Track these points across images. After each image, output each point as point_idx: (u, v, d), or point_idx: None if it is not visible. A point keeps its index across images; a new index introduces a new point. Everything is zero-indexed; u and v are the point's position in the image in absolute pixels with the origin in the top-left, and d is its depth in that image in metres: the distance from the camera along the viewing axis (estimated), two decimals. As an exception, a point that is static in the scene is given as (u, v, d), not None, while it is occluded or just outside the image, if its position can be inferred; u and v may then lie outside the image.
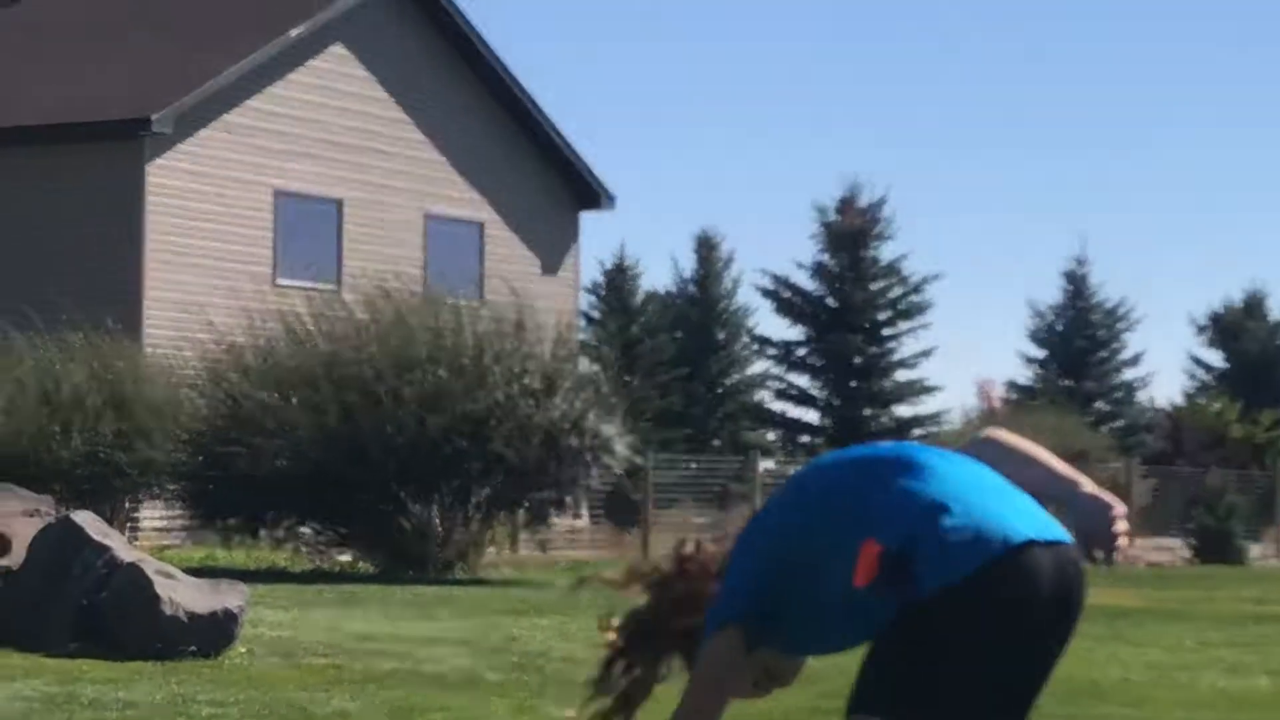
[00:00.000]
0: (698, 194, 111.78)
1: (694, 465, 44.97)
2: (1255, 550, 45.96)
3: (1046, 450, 4.89)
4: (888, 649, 4.46)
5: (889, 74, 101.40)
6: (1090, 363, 66.43)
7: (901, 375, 61.07)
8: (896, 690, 4.37)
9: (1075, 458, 43.63)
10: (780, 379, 61.75)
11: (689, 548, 4.99)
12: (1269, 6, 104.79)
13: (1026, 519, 4.41)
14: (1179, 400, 63.86)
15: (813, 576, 4.55)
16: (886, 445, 5.04)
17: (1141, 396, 66.77)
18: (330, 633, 18.04)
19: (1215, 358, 70.10)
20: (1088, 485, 4.66)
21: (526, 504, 29.38)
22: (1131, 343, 67.67)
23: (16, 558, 16.86)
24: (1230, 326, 69.77)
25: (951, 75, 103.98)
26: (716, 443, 56.61)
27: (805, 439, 59.02)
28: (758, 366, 62.92)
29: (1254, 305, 70.41)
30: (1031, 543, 4.28)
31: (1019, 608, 4.28)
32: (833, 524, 4.52)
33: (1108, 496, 4.62)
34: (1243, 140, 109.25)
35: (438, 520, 28.02)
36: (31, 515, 17.97)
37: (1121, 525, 4.59)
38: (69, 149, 36.32)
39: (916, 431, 58.37)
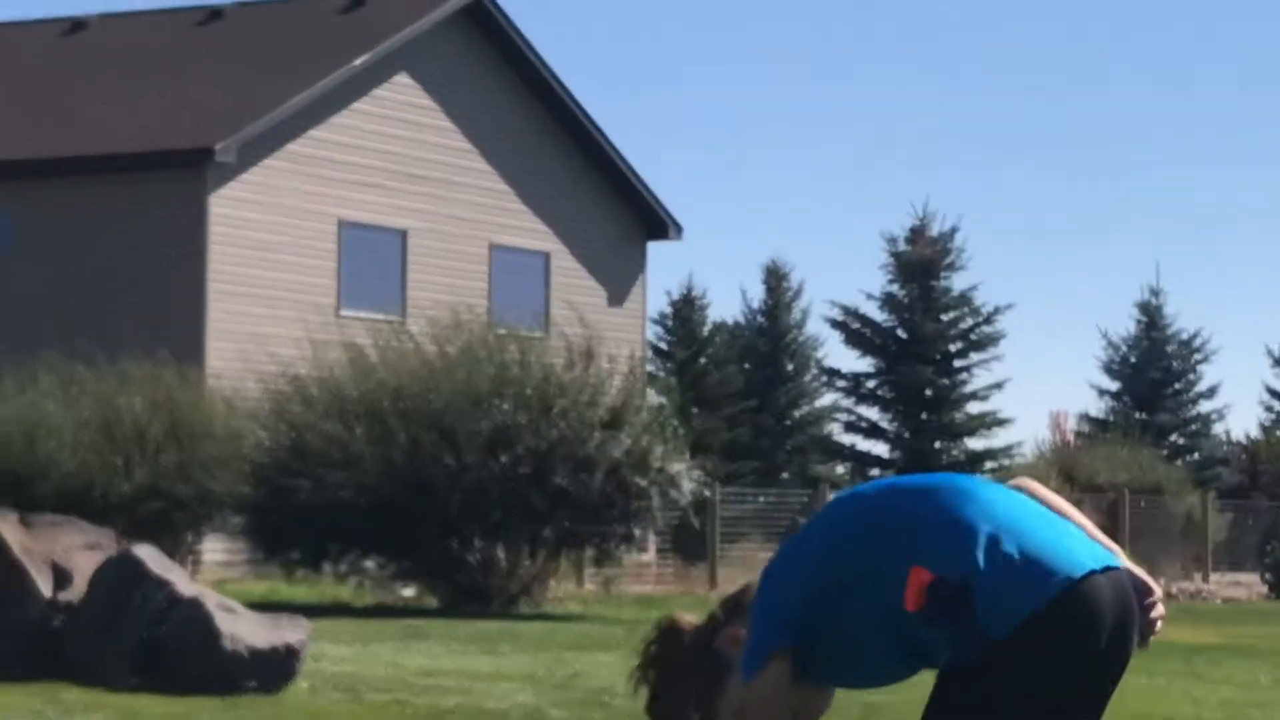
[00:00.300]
0: (766, 223, 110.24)
1: (762, 499, 44.55)
2: None
3: (1078, 511, 4.74)
4: (949, 700, 4.38)
5: (961, 101, 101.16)
6: (1164, 395, 65.67)
7: (973, 407, 60.28)
8: None
9: (1151, 491, 43.20)
10: (849, 411, 61.01)
11: (676, 634, 4.78)
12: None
13: (1083, 547, 4.38)
14: (1255, 433, 63.25)
15: (856, 601, 4.41)
16: (932, 475, 4.98)
17: (1217, 429, 66.24)
18: (393, 668, 18.02)
19: None
20: (1123, 559, 4.53)
21: (593, 539, 29.11)
22: (1207, 374, 66.96)
23: (77, 591, 16.86)
24: None
25: (1023, 104, 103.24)
26: (785, 475, 56.11)
27: (875, 472, 57.77)
28: (827, 399, 62.50)
29: None
30: (1093, 573, 4.22)
31: (1086, 642, 4.23)
32: (880, 548, 4.42)
33: (1143, 575, 4.50)
34: None
35: (502, 555, 28.06)
36: (92, 549, 17.93)
37: (1159, 610, 4.51)
38: (131, 178, 36.28)
39: (988, 465, 57.98)
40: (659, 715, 4.93)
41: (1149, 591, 4.50)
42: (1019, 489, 4.76)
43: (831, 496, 43.59)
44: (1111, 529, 44.37)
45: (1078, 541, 4.45)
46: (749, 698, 4.52)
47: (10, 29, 43.64)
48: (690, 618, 4.88)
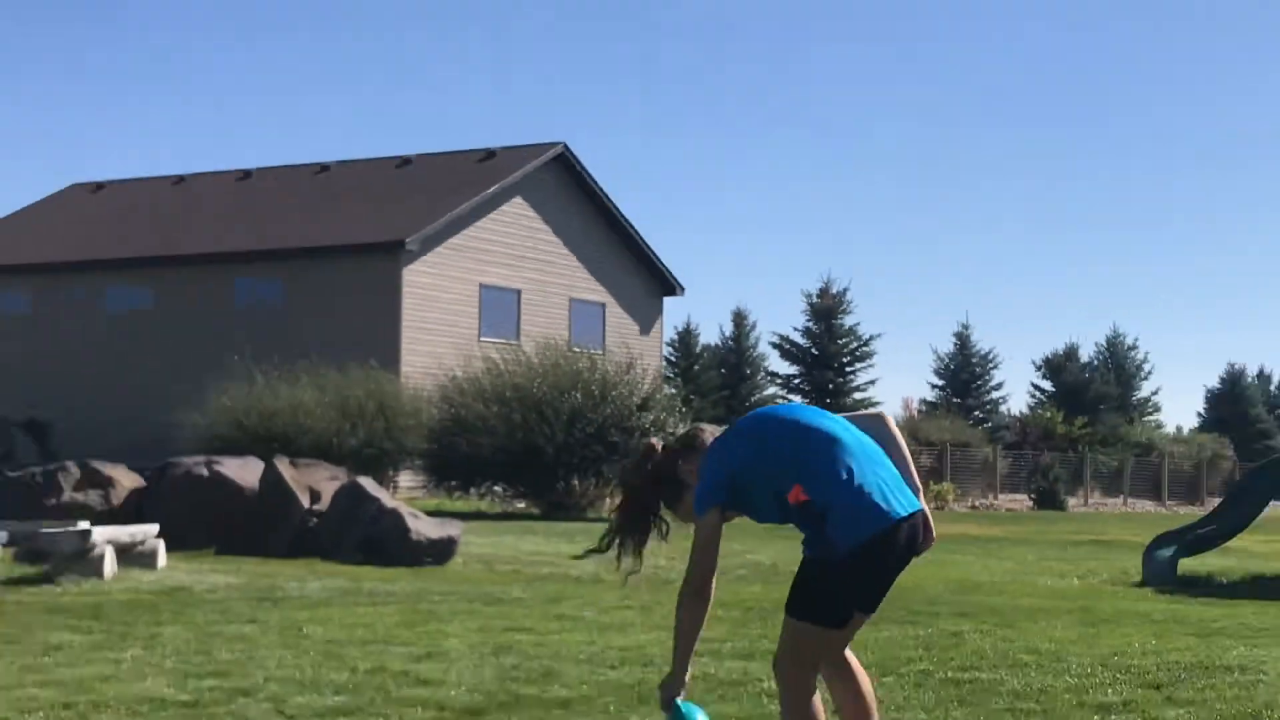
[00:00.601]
0: (735, 284, 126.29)
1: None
2: (1072, 502, 50.01)
3: (907, 449, 5.56)
4: (806, 575, 5.30)
5: (858, 202, 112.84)
6: (971, 388, 73.32)
7: (858, 395, 66.87)
8: (808, 603, 5.25)
9: (962, 445, 49.88)
10: (784, 398, 67.24)
11: (653, 452, 5.56)
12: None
13: (901, 496, 5.25)
14: (1025, 410, 69.82)
15: (762, 486, 5.25)
16: (817, 416, 5.43)
17: (1002, 409, 72.40)
18: (511, 550, 19.50)
19: (1047, 385, 76.98)
20: (921, 500, 5.38)
21: None
22: (996, 375, 74.65)
23: (323, 505, 18.56)
24: (1056, 365, 76.87)
25: (892, 196, 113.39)
26: None
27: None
28: (770, 390, 69.49)
29: (1071, 352, 77.84)
30: (901, 520, 5.15)
31: (888, 560, 5.20)
32: (782, 465, 5.23)
33: (929, 517, 5.38)
34: (1058, 241, 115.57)
35: (577, 483, 29.98)
36: (333, 479, 19.60)
37: (932, 542, 5.38)
38: (356, 258, 38.21)
39: None
40: (625, 518, 5.57)
41: (930, 530, 5.34)
42: (878, 417, 5.61)
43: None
44: (939, 468, 50.08)
45: (898, 490, 5.22)
46: (700, 525, 5.27)
47: (278, 170, 45.87)
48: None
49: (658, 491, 5.50)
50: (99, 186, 49.40)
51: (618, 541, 5.56)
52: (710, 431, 5.52)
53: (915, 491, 5.36)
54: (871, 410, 6.02)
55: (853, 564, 5.13)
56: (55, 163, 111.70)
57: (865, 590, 5.27)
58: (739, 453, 5.30)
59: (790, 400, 68.74)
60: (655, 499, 5.52)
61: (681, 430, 6.54)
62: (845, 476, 5.15)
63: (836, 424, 5.34)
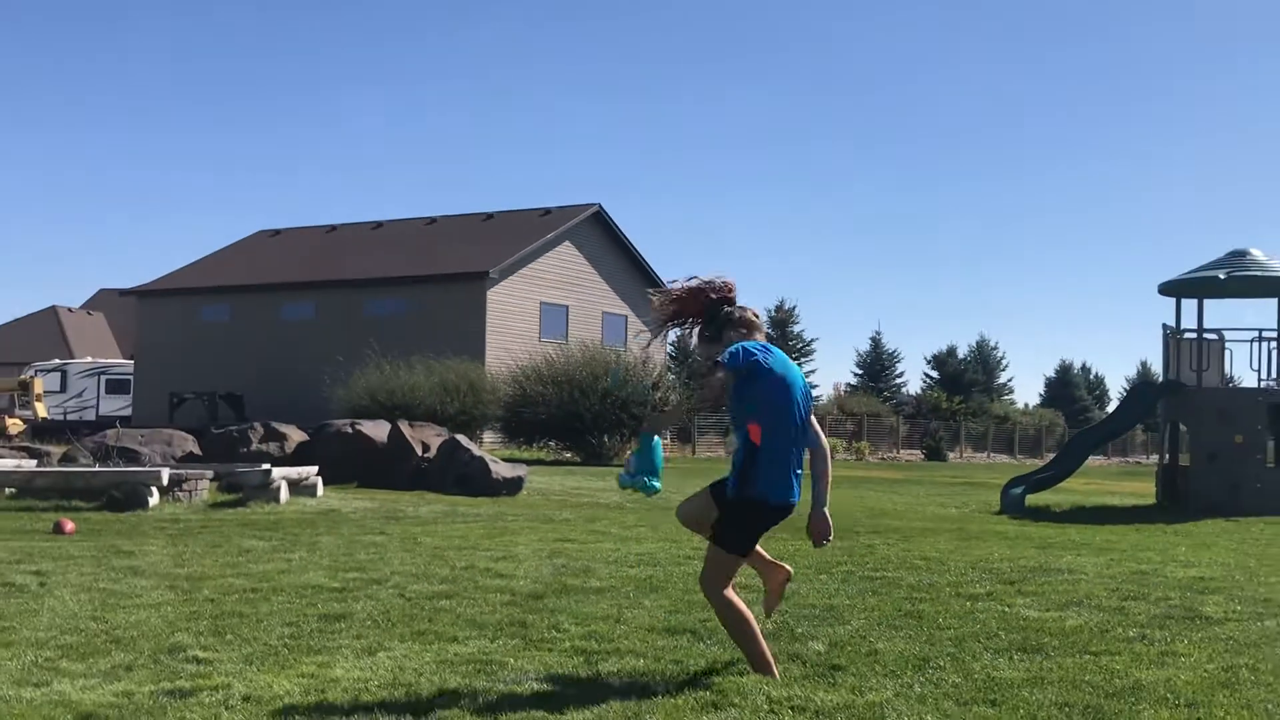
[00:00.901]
0: None
1: (710, 419, 47.97)
2: (951, 456, 49.48)
3: (830, 466, 5.32)
4: (726, 514, 5.03)
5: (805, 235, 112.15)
6: (882, 375, 71.99)
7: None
8: (728, 535, 4.98)
9: (875, 415, 50.00)
10: None
11: (709, 284, 5.07)
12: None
13: (798, 486, 5.01)
14: (919, 391, 68.74)
15: (752, 395, 4.88)
16: (806, 397, 5.02)
17: (903, 390, 71.21)
18: (560, 486, 19.31)
19: (934, 373, 75.26)
20: (826, 503, 5.23)
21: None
22: (899, 367, 73.70)
23: (431, 454, 18.27)
24: (941, 360, 75.44)
25: (833, 237, 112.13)
26: (722, 409, 61.95)
27: None
28: None
29: (951, 350, 76.43)
30: (793, 504, 4.98)
31: (777, 518, 4.98)
32: (772, 396, 4.88)
33: (828, 518, 5.18)
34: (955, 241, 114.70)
35: (608, 439, 29.79)
36: (439, 435, 19.23)
37: (829, 540, 5.22)
38: (455, 284, 37.57)
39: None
40: (682, 305, 5.08)
41: (827, 529, 5.17)
42: (820, 450, 5.19)
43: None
44: (859, 431, 50.56)
45: (799, 481, 4.99)
46: (712, 380, 4.87)
47: (400, 222, 44.96)
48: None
49: (711, 316, 5.09)
50: (276, 233, 49.42)
51: (673, 312, 5.21)
52: (753, 336, 5.07)
53: (821, 489, 5.17)
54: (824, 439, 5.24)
55: (755, 510, 4.95)
56: (245, 215, 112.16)
57: (755, 527, 5.07)
58: (772, 364, 4.89)
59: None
60: (704, 319, 5.13)
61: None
62: (785, 452, 4.93)
63: (802, 409, 5.03)
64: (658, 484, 5.09)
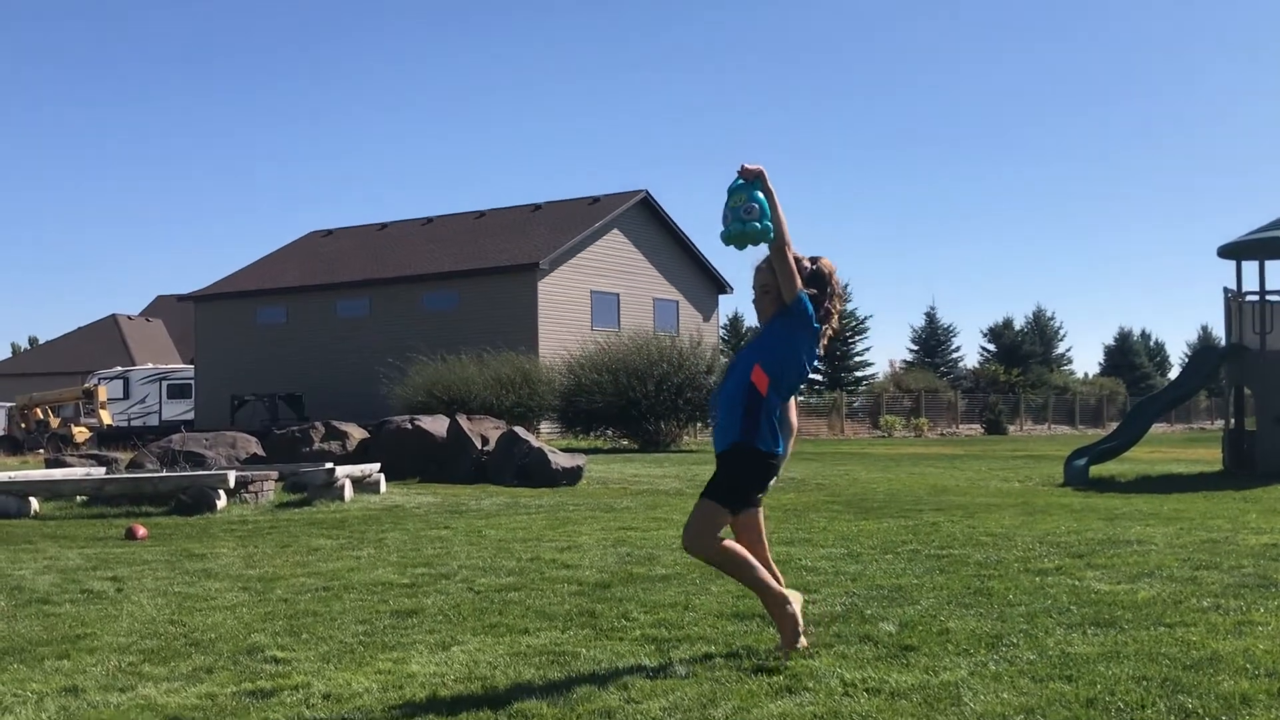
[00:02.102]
0: None
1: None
2: (1011, 429, 49.72)
3: (796, 415, 5.17)
4: (722, 465, 4.90)
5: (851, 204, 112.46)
6: (938, 350, 71.79)
7: (857, 358, 65.80)
8: (722, 488, 4.89)
9: (931, 391, 49.62)
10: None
11: (826, 270, 4.88)
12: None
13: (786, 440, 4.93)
14: (976, 365, 67.95)
15: (786, 336, 4.79)
16: (806, 366, 4.89)
17: (960, 365, 70.88)
18: (619, 473, 19.32)
19: (991, 346, 75.14)
20: (790, 446, 5.03)
21: (700, 416, 30.03)
22: (955, 341, 74.01)
23: (490, 447, 18.32)
24: (997, 332, 75.20)
25: (881, 215, 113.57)
26: None
27: (818, 387, 61.51)
28: None
29: (1008, 323, 76.19)
30: (781, 456, 4.88)
31: (772, 471, 4.88)
32: (799, 346, 4.81)
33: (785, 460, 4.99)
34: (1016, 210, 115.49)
35: (663, 424, 29.82)
36: (497, 428, 19.35)
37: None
38: (507, 275, 37.80)
39: (864, 379, 63.92)
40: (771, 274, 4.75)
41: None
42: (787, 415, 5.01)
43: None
44: (917, 407, 50.13)
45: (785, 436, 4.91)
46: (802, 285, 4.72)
47: (450, 217, 45.50)
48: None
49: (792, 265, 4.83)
50: (329, 232, 50.05)
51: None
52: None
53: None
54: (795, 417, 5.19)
55: (763, 461, 4.82)
56: (298, 216, 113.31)
57: (763, 483, 4.94)
58: (801, 320, 4.88)
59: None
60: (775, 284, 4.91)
61: None
62: (778, 410, 4.86)
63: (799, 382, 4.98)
64: (766, 223, 4.67)
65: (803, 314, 4.75)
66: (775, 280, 4.79)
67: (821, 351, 4.90)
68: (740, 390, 4.76)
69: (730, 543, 4.88)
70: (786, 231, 4.69)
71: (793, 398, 4.99)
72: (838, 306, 4.94)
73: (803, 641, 4.97)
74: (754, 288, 4.90)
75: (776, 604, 4.95)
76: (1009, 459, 25.04)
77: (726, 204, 4.74)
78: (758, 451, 4.74)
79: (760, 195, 4.68)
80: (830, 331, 4.94)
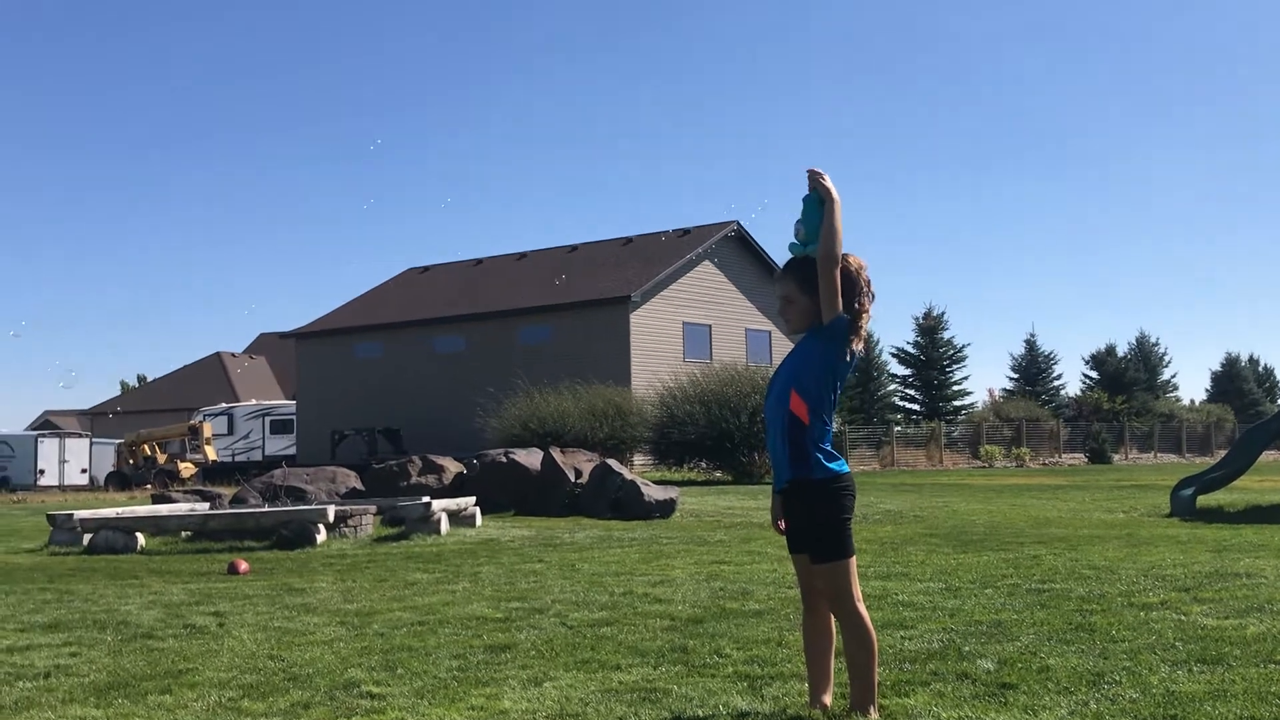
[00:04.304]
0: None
1: (862, 431, 45.89)
2: (1116, 458, 48.54)
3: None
4: (814, 514, 4.47)
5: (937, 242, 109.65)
6: (1037, 379, 69.91)
7: (955, 387, 64.38)
8: (828, 538, 4.49)
9: (1033, 420, 48.51)
10: (901, 392, 65.52)
11: (854, 266, 4.43)
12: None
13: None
14: (1078, 393, 66.62)
15: (821, 360, 4.44)
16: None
17: (1062, 393, 69.29)
18: (713, 506, 19.24)
19: (1093, 374, 73.35)
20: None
21: None
22: (1056, 369, 71.85)
23: (584, 479, 18.46)
24: (1100, 359, 73.25)
25: (974, 243, 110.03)
26: (875, 421, 56.79)
27: (916, 417, 61.15)
28: (891, 387, 66.21)
29: (1111, 349, 73.97)
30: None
31: (849, 487, 4.54)
32: (828, 379, 4.43)
33: None
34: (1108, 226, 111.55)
35: (757, 457, 29.34)
36: (590, 460, 19.71)
37: None
38: (600, 309, 38.12)
39: (963, 408, 62.33)
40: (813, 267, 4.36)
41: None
42: None
43: (896, 429, 45.80)
44: (1018, 437, 49.04)
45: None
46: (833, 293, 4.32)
47: (544, 252, 45.68)
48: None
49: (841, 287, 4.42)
50: (425, 269, 50.88)
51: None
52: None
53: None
54: None
55: (847, 485, 4.45)
56: (395, 254, 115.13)
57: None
58: (841, 341, 4.50)
59: (907, 395, 67.05)
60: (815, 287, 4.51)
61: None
62: (826, 430, 4.51)
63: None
64: (811, 247, 4.50)
65: (840, 336, 4.37)
66: (797, 290, 4.47)
67: (860, 349, 4.51)
68: (781, 419, 4.42)
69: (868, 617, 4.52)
70: (839, 245, 4.33)
71: None
72: (868, 305, 4.51)
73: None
74: (776, 297, 4.62)
75: (871, 695, 4.54)
76: (1113, 489, 24.66)
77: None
78: (812, 481, 4.39)
79: (814, 213, 4.44)
80: (863, 331, 4.54)
